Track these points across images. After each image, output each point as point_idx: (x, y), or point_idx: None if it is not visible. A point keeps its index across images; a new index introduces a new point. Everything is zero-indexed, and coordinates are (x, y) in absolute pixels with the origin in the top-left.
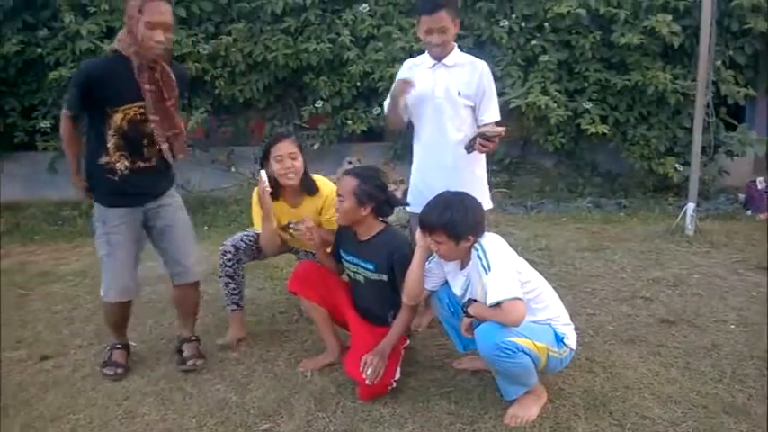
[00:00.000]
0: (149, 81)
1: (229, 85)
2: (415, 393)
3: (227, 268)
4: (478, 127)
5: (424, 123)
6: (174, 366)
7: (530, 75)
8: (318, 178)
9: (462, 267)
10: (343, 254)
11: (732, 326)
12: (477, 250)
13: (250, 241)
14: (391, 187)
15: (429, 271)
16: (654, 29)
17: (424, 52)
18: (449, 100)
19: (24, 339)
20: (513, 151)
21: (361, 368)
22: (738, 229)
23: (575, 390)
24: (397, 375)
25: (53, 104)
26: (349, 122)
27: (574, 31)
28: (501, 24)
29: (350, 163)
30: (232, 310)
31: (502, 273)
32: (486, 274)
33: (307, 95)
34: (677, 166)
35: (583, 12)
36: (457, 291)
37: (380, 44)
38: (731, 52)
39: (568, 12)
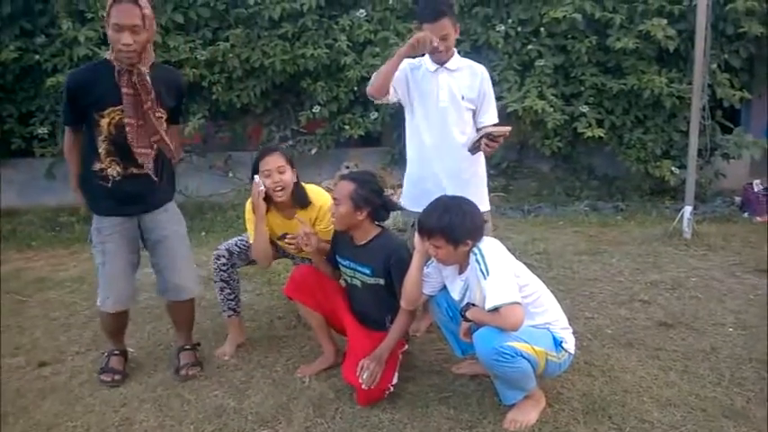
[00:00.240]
0: (127, 85)
1: (227, 91)
2: (414, 398)
3: (221, 273)
4: (478, 129)
5: (428, 126)
6: (171, 373)
7: (526, 79)
8: (312, 188)
9: (461, 272)
10: (339, 259)
11: (730, 329)
12: (475, 255)
13: (244, 246)
14: (388, 191)
15: (427, 276)
16: (649, 33)
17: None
18: (453, 104)
19: (22, 346)
20: (511, 155)
21: (357, 372)
22: (735, 231)
23: (573, 394)
24: (395, 380)
25: (50, 111)
26: (346, 127)
27: (570, 36)
28: (497, 29)
29: (347, 168)
30: (228, 316)
31: (500, 277)
32: (485, 278)
33: (304, 100)
34: (674, 169)
35: (578, 16)
36: (455, 295)
37: (377, 49)
38: (726, 56)
39: (564, 16)
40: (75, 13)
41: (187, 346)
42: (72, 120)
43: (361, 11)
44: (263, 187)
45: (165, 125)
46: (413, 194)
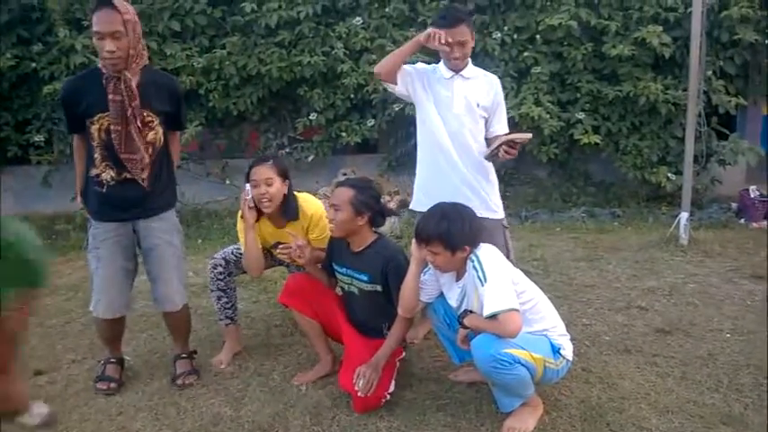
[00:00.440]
0: (114, 91)
1: (224, 98)
2: (411, 406)
3: (218, 281)
4: (488, 138)
5: (443, 131)
6: (168, 381)
7: (522, 86)
8: (305, 197)
9: (458, 279)
10: (336, 266)
11: (728, 335)
12: (472, 261)
13: (240, 254)
14: (385, 198)
15: (424, 283)
16: (645, 40)
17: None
18: (469, 111)
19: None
20: (507, 162)
21: (353, 380)
22: (732, 237)
23: (571, 401)
24: (391, 388)
25: (47, 119)
26: (343, 134)
27: (566, 43)
28: (493, 36)
29: (344, 174)
30: (226, 325)
31: (498, 284)
32: (482, 285)
33: (301, 108)
34: (670, 175)
35: (574, 24)
36: (452, 302)
37: (374, 56)
38: (721, 62)
39: (560, 24)
40: (72, 21)
41: (183, 355)
42: (72, 128)
43: (358, 19)
44: (250, 196)
45: (158, 130)
46: (424, 198)
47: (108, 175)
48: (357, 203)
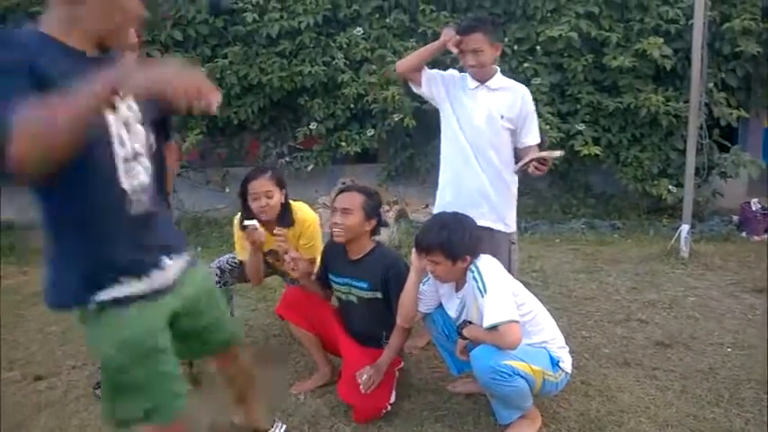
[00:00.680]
0: None
1: (224, 107)
2: (409, 416)
3: None
4: (518, 149)
5: (463, 140)
6: None
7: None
8: (299, 206)
9: (457, 290)
10: (332, 276)
11: (728, 349)
12: (472, 272)
13: (236, 263)
14: (384, 208)
15: (423, 293)
16: (646, 52)
17: None
18: (489, 122)
19: (18, 360)
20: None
21: (357, 376)
22: (733, 250)
23: (570, 413)
24: (392, 399)
25: None
26: (343, 144)
27: (566, 54)
28: None
29: (344, 184)
30: None
31: (498, 295)
32: (482, 296)
33: (301, 117)
34: (671, 187)
35: (575, 35)
36: (452, 313)
37: (374, 67)
38: (723, 74)
39: (560, 35)
40: None
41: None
42: None
43: (359, 29)
44: (259, 228)
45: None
46: (442, 201)
47: None
48: (368, 208)
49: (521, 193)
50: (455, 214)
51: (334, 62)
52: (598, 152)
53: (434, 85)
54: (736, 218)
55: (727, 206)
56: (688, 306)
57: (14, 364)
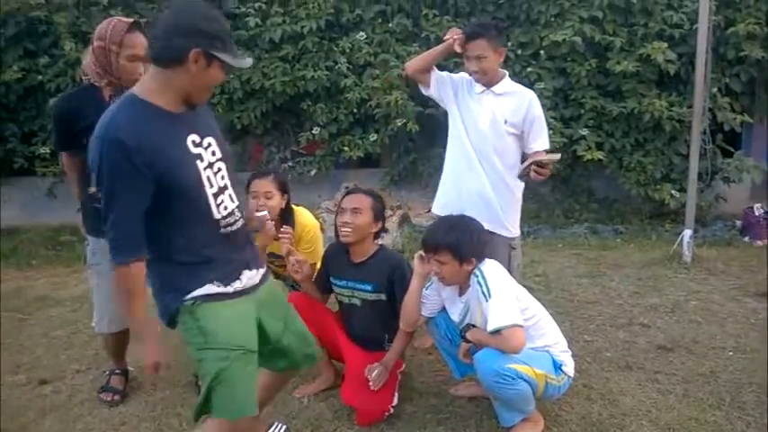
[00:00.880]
0: None
1: (227, 112)
2: (412, 419)
3: None
4: (526, 154)
5: (467, 143)
6: (171, 392)
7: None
8: (300, 211)
9: (461, 294)
10: (334, 280)
11: (730, 353)
12: (477, 276)
13: None
14: (387, 213)
15: (426, 297)
16: (649, 56)
17: None
18: (493, 127)
19: (23, 364)
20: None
21: (365, 373)
22: (736, 255)
23: (572, 417)
24: (395, 401)
25: (53, 131)
26: (346, 149)
27: (569, 59)
28: None
29: (347, 188)
30: None
31: (502, 299)
32: (487, 300)
33: (304, 122)
34: (674, 192)
35: (578, 39)
36: (455, 317)
37: (377, 71)
38: (727, 79)
39: (564, 39)
40: (78, 34)
41: None
42: (64, 145)
43: (362, 34)
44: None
45: None
46: (442, 201)
47: None
48: (376, 210)
49: (523, 198)
50: (463, 217)
51: (336, 67)
52: (601, 157)
53: (443, 86)
54: (738, 223)
55: (730, 211)
56: (690, 310)
57: (20, 367)
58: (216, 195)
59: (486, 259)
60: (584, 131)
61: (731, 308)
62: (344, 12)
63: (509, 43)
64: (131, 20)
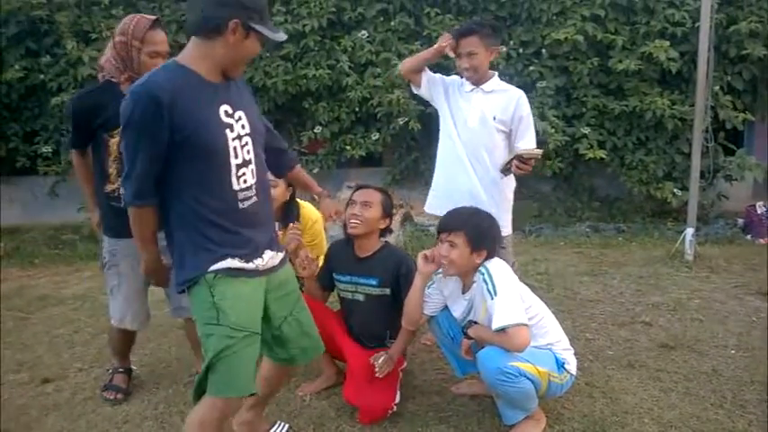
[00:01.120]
0: None
1: None
2: (414, 418)
3: None
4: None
5: (458, 142)
6: (173, 390)
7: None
8: (304, 204)
9: (464, 291)
10: (337, 276)
11: (732, 351)
12: (482, 274)
13: None
14: None
15: (428, 296)
16: (651, 55)
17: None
18: (483, 125)
19: (26, 362)
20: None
21: (371, 360)
22: (738, 253)
23: (574, 415)
24: (397, 399)
25: (55, 130)
26: (348, 148)
27: (572, 57)
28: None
29: (349, 187)
30: None
31: (508, 298)
32: (492, 298)
33: (306, 121)
34: (676, 190)
35: (580, 38)
36: (457, 314)
37: (379, 70)
38: (729, 78)
39: (566, 38)
40: (80, 33)
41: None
42: (80, 142)
43: (363, 32)
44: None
45: None
46: (433, 200)
47: None
48: (386, 206)
49: (525, 197)
50: (482, 209)
51: (338, 65)
52: (603, 155)
53: (434, 86)
54: (740, 221)
55: (732, 209)
56: (692, 308)
57: (22, 366)
58: (239, 167)
59: (494, 258)
60: (586, 130)
61: (733, 306)
62: (346, 10)
63: (511, 42)
64: (154, 17)
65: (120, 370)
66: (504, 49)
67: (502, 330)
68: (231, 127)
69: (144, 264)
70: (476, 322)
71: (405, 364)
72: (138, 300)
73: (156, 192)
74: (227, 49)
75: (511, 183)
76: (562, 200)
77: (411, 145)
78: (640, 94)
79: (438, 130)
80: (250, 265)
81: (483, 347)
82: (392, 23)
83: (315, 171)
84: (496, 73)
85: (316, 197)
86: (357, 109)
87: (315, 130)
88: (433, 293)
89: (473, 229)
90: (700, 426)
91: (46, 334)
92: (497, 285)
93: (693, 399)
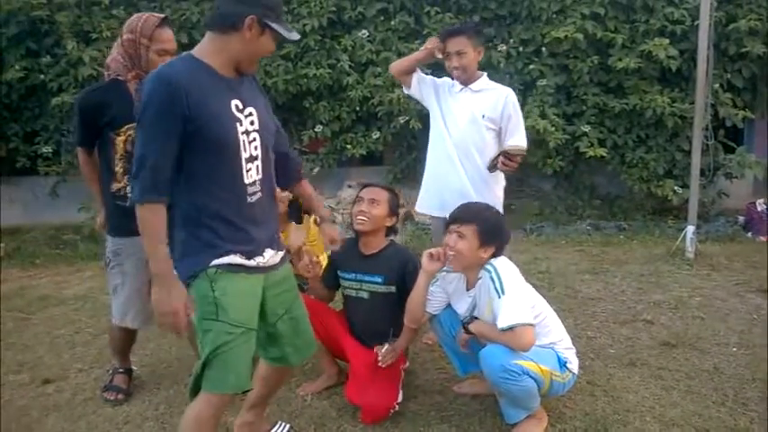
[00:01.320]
0: None
1: None
2: (416, 417)
3: None
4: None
5: (448, 141)
6: (174, 391)
7: (528, 99)
8: None
9: (468, 288)
10: (342, 274)
11: (734, 348)
12: (489, 272)
13: None
14: None
15: (431, 294)
16: (651, 53)
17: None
18: (473, 123)
19: (26, 363)
20: (512, 174)
21: (375, 350)
22: (738, 251)
23: (576, 413)
24: (399, 398)
25: (55, 130)
26: (348, 147)
27: (572, 56)
28: (499, 49)
29: (350, 186)
30: None
31: (516, 297)
32: (499, 297)
33: (306, 120)
34: (676, 188)
35: (580, 36)
36: (460, 311)
37: (379, 69)
38: (729, 75)
39: (566, 36)
40: (80, 33)
41: None
42: (87, 140)
43: (364, 31)
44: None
45: None
46: (424, 199)
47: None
48: (392, 204)
49: (526, 195)
50: (496, 208)
51: (339, 65)
52: (603, 153)
53: (424, 86)
54: (741, 218)
55: (732, 207)
56: (693, 306)
57: (22, 367)
58: (247, 161)
59: (498, 258)
60: (587, 128)
61: (734, 304)
62: (346, 10)
63: (511, 40)
64: (162, 15)
65: (121, 370)
66: (505, 47)
67: (509, 329)
68: (240, 121)
69: (155, 278)
70: (477, 317)
71: (407, 363)
72: (141, 299)
73: (168, 188)
74: (243, 44)
75: (501, 181)
76: (563, 198)
77: (411, 144)
78: (640, 92)
79: None
80: (251, 263)
81: (481, 344)
82: (392, 23)
83: (315, 170)
84: (485, 73)
85: (317, 219)
86: (358, 108)
87: (315, 130)
88: (436, 292)
89: (485, 223)
90: (702, 424)
91: (47, 334)
92: (505, 284)
93: (695, 397)
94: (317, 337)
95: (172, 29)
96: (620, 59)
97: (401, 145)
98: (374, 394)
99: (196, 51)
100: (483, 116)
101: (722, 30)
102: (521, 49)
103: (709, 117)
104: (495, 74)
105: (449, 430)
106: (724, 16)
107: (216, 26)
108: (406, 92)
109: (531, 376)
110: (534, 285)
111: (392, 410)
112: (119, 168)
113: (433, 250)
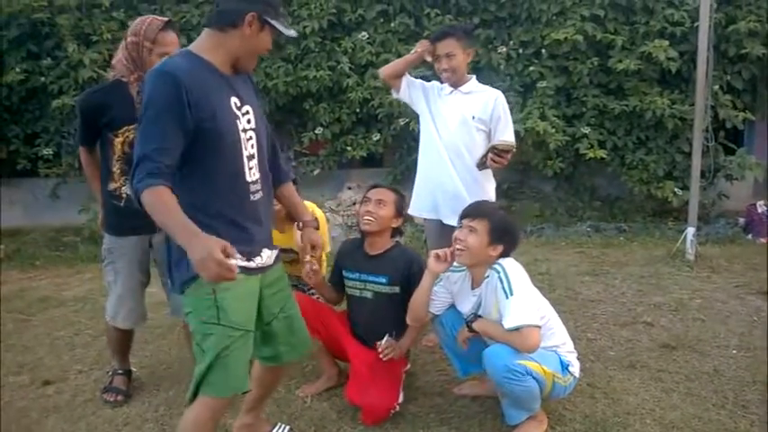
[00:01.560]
0: None
1: None
2: (416, 419)
3: None
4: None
5: (439, 143)
6: (174, 392)
7: (528, 100)
8: (308, 205)
9: (473, 287)
10: (347, 274)
11: (734, 351)
12: (498, 273)
13: None
14: None
15: (435, 294)
16: (651, 54)
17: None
18: (463, 125)
19: (26, 364)
20: (513, 176)
21: (378, 345)
22: (739, 253)
23: (576, 415)
24: (400, 399)
25: (55, 132)
26: (348, 148)
27: (571, 57)
28: (499, 51)
29: (350, 188)
30: None
31: (524, 299)
32: (507, 298)
33: (306, 122)
34: (676, 190)
35: (580, 38)
36: (465, 311)
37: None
38: (729, 77)
39: (566, 38)
40: (81, 36)
41: None
42: (88, 139)
43: (364, 33)
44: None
45: None
46: (416, 202)
47: (128, 188)
48: (399, 206)
49: (526, 197)
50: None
51: (339, 67)
52: (604, 155)
53: (414, 89)
54: (741, 220)
55: (732, 208)
56: (693, 308)
57: (22, 368)
58: (248, 159)
59: (505, 258)
60: (587, 130)
61: (734, 306)
62: (346, 12)
63: (510, 42)
64: (166, 18)
65: (120, 372)
66: (504, 49)
67: (516, 330)
68: (239, 119)
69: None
70: (480, 316)
71: (408, 365)
72: (132, 298)
73: (171, 176)
74: (242, 41)
75: (492, 181)
76: (563, 200)
77: (411, 146)
78: (640, 94)
79: None
80: (251, 264)
81: (484, 343)
82: (392, 24)
83: (316, 172)
84: (474, 76)
85: (299, 224)
86: (358, 110)
87: (316, 132)
88: (440, 292)
89: (498, 220)
90: (702, 426)
91: (47, 336)
92: (513, 285)
93: (695, 399)
94: (318, 338)
95: (176, 32)
96: (619, 61)
97: (401, 147)
98: (375, 394)
99: (194, 48)
100: (473, 117)
101: (722, 31)
102: (521, 50)
103: (710, 119)
104: (496, 76)
105: None
106: (724, 18)
107: (216, 23)
108: (395, 95)
109: (534, 377)
110: (534, 287)
111: (392, 411)
112: (116, 169)
113: (440, 251)
